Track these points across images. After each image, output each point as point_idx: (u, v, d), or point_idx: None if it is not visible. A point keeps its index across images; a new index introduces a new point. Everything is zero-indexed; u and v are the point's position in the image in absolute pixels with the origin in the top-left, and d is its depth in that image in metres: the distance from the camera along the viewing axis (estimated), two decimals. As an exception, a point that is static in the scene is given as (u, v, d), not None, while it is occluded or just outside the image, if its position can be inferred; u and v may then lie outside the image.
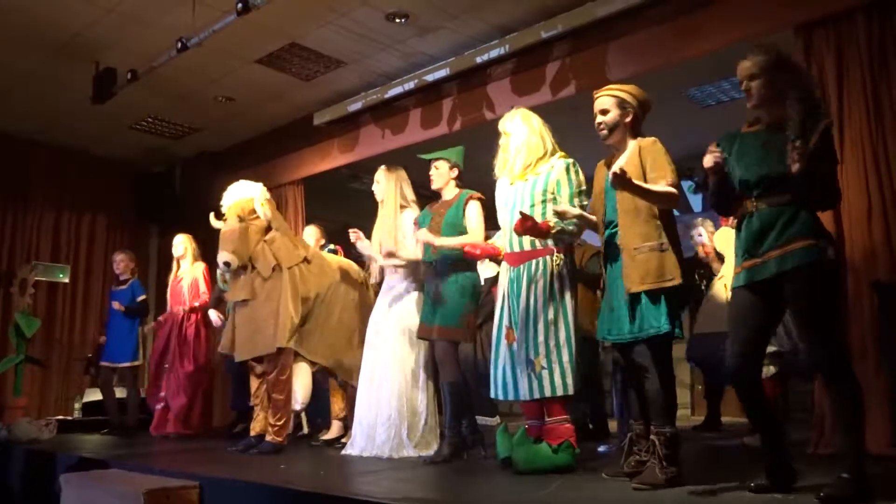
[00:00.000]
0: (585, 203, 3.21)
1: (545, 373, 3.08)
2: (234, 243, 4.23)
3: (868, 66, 3.71)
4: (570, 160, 3.28)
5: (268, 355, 4.23)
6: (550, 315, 3.11)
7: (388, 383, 3.92)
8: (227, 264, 4.20)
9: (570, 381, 3.08)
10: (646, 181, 2.77)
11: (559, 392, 3.08)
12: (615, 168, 2.66)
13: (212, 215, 4.52)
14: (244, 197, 4.42)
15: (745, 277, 2.46)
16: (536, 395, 3.11)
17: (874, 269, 3.58)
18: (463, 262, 3.74)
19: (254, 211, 4.39)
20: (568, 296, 3.17)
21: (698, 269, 4.85)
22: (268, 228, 4.42)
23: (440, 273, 3.77)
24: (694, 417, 6.36)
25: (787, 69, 2.47)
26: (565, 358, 3.08)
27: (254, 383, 4.44)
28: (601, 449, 3.99)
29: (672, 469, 2.63)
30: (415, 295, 4.03)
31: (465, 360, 3.95)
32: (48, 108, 6.59)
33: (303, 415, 4.77)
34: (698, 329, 4.56)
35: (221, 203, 4.49)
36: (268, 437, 4.20)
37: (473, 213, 3.78)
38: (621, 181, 2.60)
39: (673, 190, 2.75)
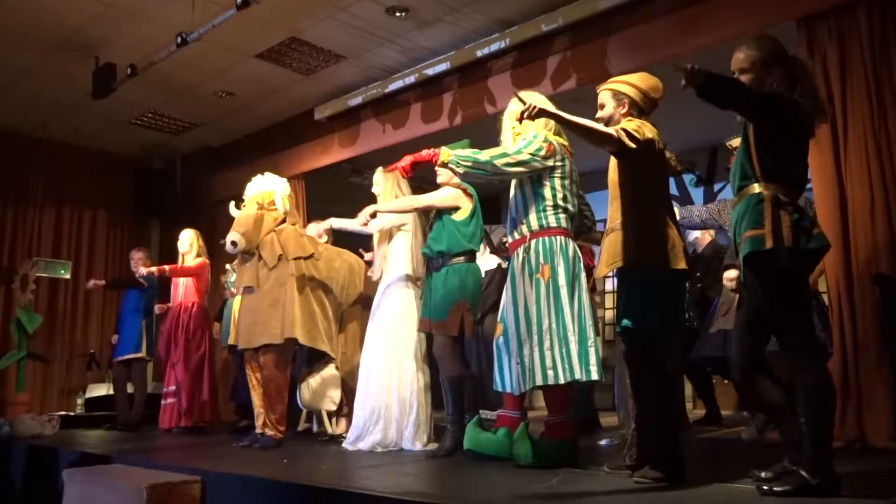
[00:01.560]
0: (525, 158, 3.06)
1: (519, 367, 3.07)
2: (246, 226, 4.29)
3: (870, 58, 3.71)
4: (548, 132, 3.17)
5: (265, 347, 4.23)
6: (520, 305, 3.09)
7: (381, 377, 3.94)
8: (233, 243, 4.24)
9: (557, 370, 2.98)
10: (616, 168, 2.80)
11: (547, 381, 3.00)
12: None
13: (231, 204, 4.58)
14: (267, 188, 4.50)
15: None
16: (526, 388, 3.08)
17: (877, 262, 3.58)
18: (455, 255, 3.72)
19: (273, 202, 4.44)
20: (541, 284, 3.05)
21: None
22: (282, 223, 4.46)
23: (434, 267, 3.78)
24: (696, 411, 6.35)
25: (780, 64, 2.43)
26: (546, 347, 3.00)
27: (251, 374, 4.46)
28: (603, 442, 3.99)
29: (674, 463, 2.63)
30: (409, 290, 4.04)
31: (469, 354, 3.96)
32: (48, 103, 6.59)
33: (324, 414, 4.80)
34: (718, 326, 4.35)
35: (244, 192, 4.55)
36: (268, 432, 4.22)
37: (438, 191, 3.79)
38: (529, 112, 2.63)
39: (601, 128, 2.71)
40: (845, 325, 3.65)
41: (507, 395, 3.27)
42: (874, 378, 3.53)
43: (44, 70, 5.88)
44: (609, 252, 2.74)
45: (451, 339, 3.69)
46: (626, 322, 2.70)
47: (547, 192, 3.14)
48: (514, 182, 3.24)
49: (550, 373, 2.99)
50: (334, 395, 4.75)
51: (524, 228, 3.15)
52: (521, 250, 3.16)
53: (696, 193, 7.79)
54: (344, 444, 4.02)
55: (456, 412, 3.69)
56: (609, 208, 2.81)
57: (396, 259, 4.09)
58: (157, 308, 5.91)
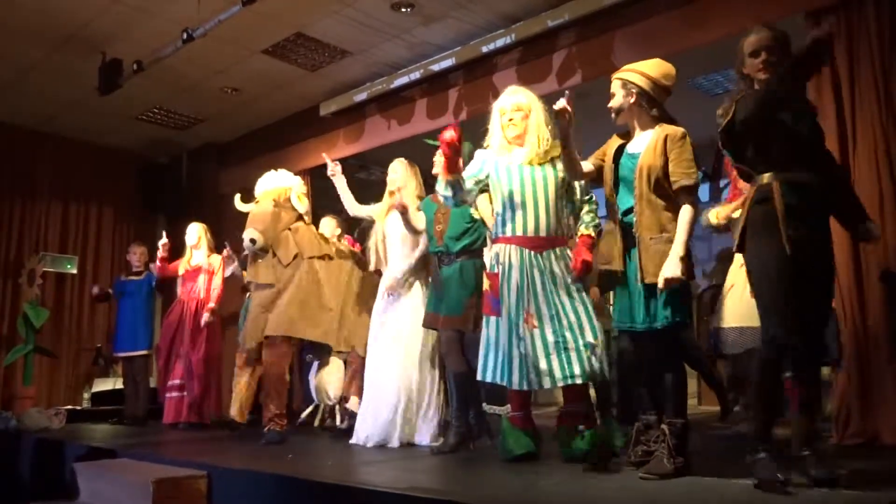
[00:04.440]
0: (593, 194, 3.34)
1: (599, 356, 3.08)
2: (265, 223, 4.29)
3: (879, 53, 3.68)
4: None
5: (268, 340, 4.25)
6: (580, 302, 3.13)
7: (395, 373, 3.93)
8: (252, 241, 4.24)
9: (605, 366, 3.11)
10: (666, 172, 2.76)
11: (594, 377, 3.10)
12: (662, 278, 2.64)
13: (237, 197, 4.57)
14: (282, 185, 4.50)
15: (797, 248, 2.35)
16: (579, 381, 3.07)
17: (886, 259, 3.56)
18: (466, 250, 3.72)
19: (289, 200, 4.45)
20: (573, 287, 3.17)
21: None
22: (300, 220, 4.47)
23: (444, 262, 3.77)
24: (702, 407, 6.35)
25: (790, 53, 2.52)
26: (596, 345, 3.09)
27: (257, 373, 4.47)
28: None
29: (680, 459, 2.63)
30: (417, 285, 4.04)
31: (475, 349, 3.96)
32: (55, 99, 6.60)
33: (336, 408, 4.83)
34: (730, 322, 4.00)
35: (256, 188, 4.54)
36: (271, 426, 4.22)
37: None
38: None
39: (691, 210, 2.73)
40: (857, 322, 3.63)
41: (523, 393, 3.24)
42: (885, 375, 3.51)
43: (50, 66, 5.89)
44: (664, 262, 2.68)
45: (458, 335, 3.69)
46: (678, 318, 2.69)
47: (572, 204, 3.30)
48: (556, 183, 3.21)
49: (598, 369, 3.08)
50: (332, 390, 4.77)
51: (561, 230, 3.22)
52: (558, 250, 3.18)
53: (702, 190, 7.80)
54: (353, 440, 4.01)
55: (460, 407, 3.69)
56: (651, 216, 2.76)
57: (402, 252, 4.10)
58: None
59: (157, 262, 5.87)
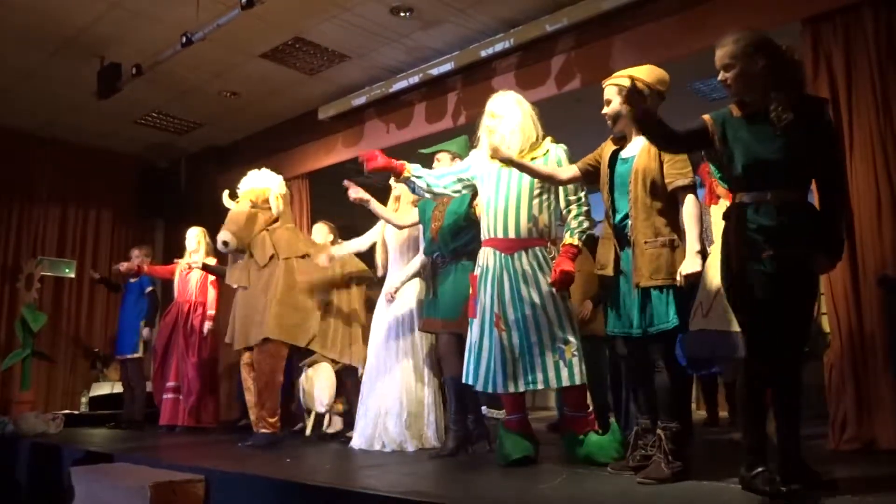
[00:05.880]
0: (582, 195, 3.21)
1: (568, 361, 3.07)
2: (238, 225, 4.28)
3: (876, 60, 3.69)
4: (563, 146, 3.26)
5: (257, 345, 4.24)
6: (552, 306, 3.08)
7: (397, 378, 3.93)
8: (224, 243, 4.25)
9: (583, 369, 3.10)
10: (662, 174, 2.76)
11: (580, 380, 3.08)
12: (681, 275, 2.63)
13: (226, 193, 4.57)
14: (261, 186, 4.48)
15: (770, 265, 2.28)
16: (566, 383, 3.05)
17: (884, 264, 3.56)
18: (461, 253, 3.72)
19: (267, 201, 4.43)
20: (550, 289, 3.10)
21: None
22: (275, 222, 4.45)
23: (439, 265, 3.77)
24: (700, 412, 6.34)
25: (762, 53, 2.34)
26: (575, 348, 3.08)
27: (246, 375, 4.45)
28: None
29: (677, 464, 2.62)
30: (418, 289, 4.04)
31: None
32: (53, 103, 6.61)
33: (327, 414, 4.80)
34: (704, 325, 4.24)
35: (238, 186, 4.54)
36: (261, 429, 4.19)
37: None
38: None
39: (696, 202, 2.73)
40: (853, 327, 3.63)
41: (517, 396, 3.23)
42: (881, 380, 3.51)
43: (50, 70, 5.90)
44: (660, 265, 2.69)
45: (456, 339, 3.68)
46: (677, 322, 2.68)
47: (558, 205, 3.24)
48: (528, 185, 3.19)
49: (581, 371, 3.09)
50: (323, 397, 4.74)
51: (538, 231, 3.17)
52: (537, 251, 3.14)
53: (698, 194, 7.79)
54: (353, 443, 4.00)
55: (458, 411, 3.69)
56: (647, 220, 2.75)
57: (401, 257, 4.10)
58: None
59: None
